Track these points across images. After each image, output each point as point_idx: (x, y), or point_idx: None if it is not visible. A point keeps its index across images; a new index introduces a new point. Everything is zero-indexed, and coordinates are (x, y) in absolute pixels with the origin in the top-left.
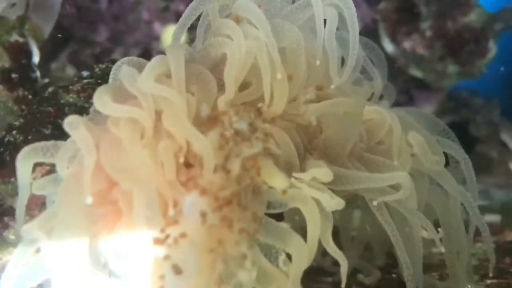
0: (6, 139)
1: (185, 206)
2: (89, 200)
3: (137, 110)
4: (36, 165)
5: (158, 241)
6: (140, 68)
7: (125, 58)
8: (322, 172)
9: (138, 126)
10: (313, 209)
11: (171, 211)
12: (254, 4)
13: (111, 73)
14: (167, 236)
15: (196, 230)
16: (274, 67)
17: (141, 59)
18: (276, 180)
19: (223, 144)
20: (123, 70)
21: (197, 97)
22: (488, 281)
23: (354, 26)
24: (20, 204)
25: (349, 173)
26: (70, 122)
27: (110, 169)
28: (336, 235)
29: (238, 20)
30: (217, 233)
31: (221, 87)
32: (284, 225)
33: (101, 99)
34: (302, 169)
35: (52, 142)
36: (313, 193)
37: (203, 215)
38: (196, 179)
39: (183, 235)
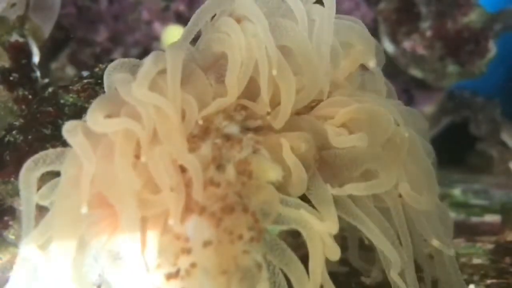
0: (6, 139)
1: (189, 232)
2: (85, 209)
3: (131, 122)
4: None
5: (171, 276)
6: (134, 71)
7: (117, 62)
8: (329, 227)
9: (136, 135)
10: (319, 247)
11: (171, 221)
12: (254, 3)
13: (105, 78)
14: (179, 270)
15: (204, 256)
16: (271, 65)
17: (133, 60)
18: (270, 174)
19: (216, 154)
20: (117, 77)
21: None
22: (488, 281)
23: (327, 30)
24: (27, 224)
25: (351, 208)
26: (68, 129)
27: (99, 182)
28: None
29: (239, 20)
30: (225, 250)
31: (222, 81)
32: (290, 250)
33: (93, 117)
34: (308, 187)
35: (52, 150)
36: (323, 235)
37: (208, 237)
38: (193, 197)
39: (193, 265)
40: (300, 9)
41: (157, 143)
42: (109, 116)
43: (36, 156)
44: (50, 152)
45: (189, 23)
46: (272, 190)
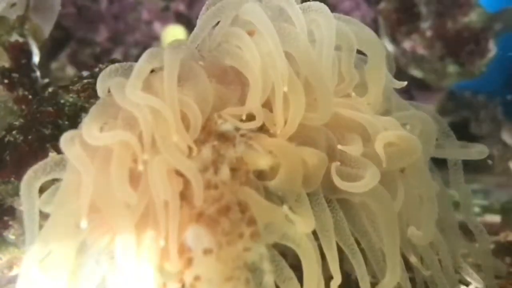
0: (6, 139)
1: (189, 242)
2: (84, 224)
3: (125, 134)
4: None
5: None
6: (128, 74)
7: (109, 69)
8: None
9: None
10: (315, 273)
11: (161, 242)
12: (261, 10)
13: (98, 85)
14: (183, 285)
15: (207, 265)
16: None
17: (125, 64)
18: (259, 163)
19: (215, 157)
20: (112, 83)
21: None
22: None
23: (329, 48)
24: (29, 237)
25: (347, 235)
26: (65, 142)
27: (95, 194)
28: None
29: (251, 33)
30: (226, 254)
31: (224, 83)
32: (288, 268)
33: (88, 131)
34: (312, 205)
35: (51, 158)
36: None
37: (207, 244)
38: (189, 204)
39: (197, 278)
40: (300, 18)
41: (156, 150)
42: (107, 123)
43: (36, 166)
44: (49, 160)
45: (196, 29)
46: (280, 211)
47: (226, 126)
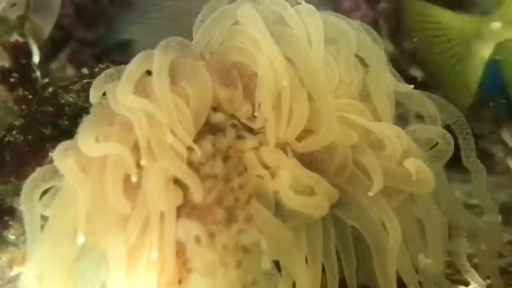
0: (6, 139)
1: (182, 236)
2: (81, 239)
3: (119, 147)
4: None
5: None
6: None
7: (107, 73)
8: None
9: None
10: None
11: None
12: (259, 19)
13: (92, 90)
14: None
15: (198, 256)
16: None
17: (119, 68)
18: (247, 143)
19: (214, 152)
20: (108, 88)
21: (192, 101)
22: (489, 281)
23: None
24: (31, 245)
25: (331, 256)
26: (58, 156)
27: (91, 209)
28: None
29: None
30: (218, 241)
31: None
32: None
33: (84, 141)
34: None
35: (49, 165)
36: None
37: (197, 232)
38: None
39: (189, 270)
40: (298, 23)
41: (153, 154)
42: (103, 130)
43: (34, 174)
44: (48, 167)
45: (197, 37)
46: (288, 232)
47: (217, 116)
